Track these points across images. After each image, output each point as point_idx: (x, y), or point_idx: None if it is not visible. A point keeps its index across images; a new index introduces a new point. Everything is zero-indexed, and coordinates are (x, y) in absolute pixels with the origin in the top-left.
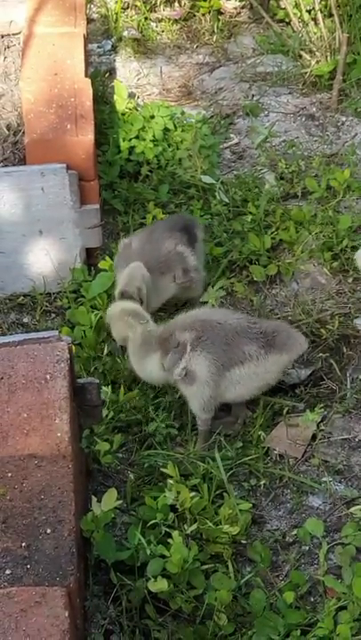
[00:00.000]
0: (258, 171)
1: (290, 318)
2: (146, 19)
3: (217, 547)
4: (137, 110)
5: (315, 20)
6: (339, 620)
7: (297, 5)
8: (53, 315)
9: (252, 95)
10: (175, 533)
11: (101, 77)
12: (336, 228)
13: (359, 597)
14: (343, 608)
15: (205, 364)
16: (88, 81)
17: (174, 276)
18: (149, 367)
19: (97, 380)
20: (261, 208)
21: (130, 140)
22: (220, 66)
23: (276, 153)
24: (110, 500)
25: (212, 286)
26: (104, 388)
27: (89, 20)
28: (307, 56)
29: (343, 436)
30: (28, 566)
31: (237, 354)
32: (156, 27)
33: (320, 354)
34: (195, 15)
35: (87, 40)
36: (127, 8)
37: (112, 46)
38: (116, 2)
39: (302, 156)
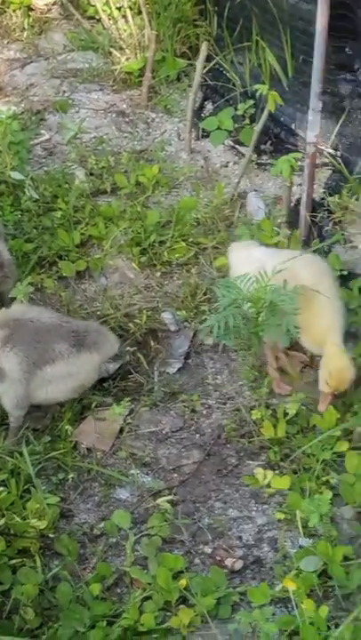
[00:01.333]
0: (68, 167)
1: (98, 313)
2: None
3: (25, 541)
4: None
5: (124, 17)
6: (144, 609)
7: (107, 2)
8: None
9: (63, 91)
10: None
11: None
12: (144, 224)
13: (163, 587)
14: (148, 598)
15: (16, 362)
16: None
17: None
18: None
19: None
20: (71, 204)
21: None
22: (31, 62)
23: (87, 149)
24: None
25: (21, 282)
26: None
27: None
28: (117, 53)
29: (150, 429)
30: None
31: (49, 352)
32: None
33: (128, 348)
34: (5, 11)
35: None
36: None
37: None
38: None
39: (112, 152)
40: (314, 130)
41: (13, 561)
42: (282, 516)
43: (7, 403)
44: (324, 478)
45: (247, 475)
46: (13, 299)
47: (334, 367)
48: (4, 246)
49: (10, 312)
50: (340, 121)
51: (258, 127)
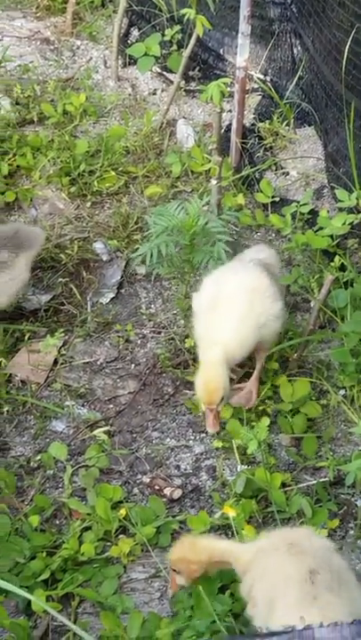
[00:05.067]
0: None
1: None
2: None
3: None
4: None
5: None
6: (84, 540)
7: None
8: None
9: None
10: None
11: None
12: (73, 153)
13: (103, 517)
14: (88, 529)
15: None
16: None
17: None
18: None
19: None
20: None
21: None
22: None
23: (11, 78)
24: None
25: None
26: None
27: None
28: None
29: (85, 360)
30: None
31: None
32: None
33: (60, 279)
34: None
35: None
36: None
37: None
38: None
39: (38, 80)
40: (243, 54)
41: None
42: (220, 445)
43: None
44: (260, 408)
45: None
46: None
47: (200, 380)
48: None
49: None
50: (270, 45)
51: (186, 53)
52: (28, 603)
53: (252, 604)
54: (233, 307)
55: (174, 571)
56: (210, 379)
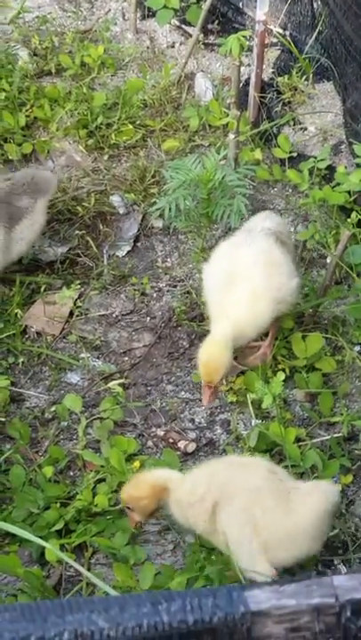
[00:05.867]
0: (10, 47)
1: None
2: None
3: None
4: None
5: None
6: (97, 491)
7: None
8: None
9: None
10: None
11: None
12: (91, 105)
13: (117, 469)
14: (102, 480)
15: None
16: None
17: None
18: None
19: None
20: (15, 85)
21: None
22: None
23: (30, 29)
24: None
25: None
26: None
27: None
28: None
29: (100, 313)
30: None
31: (16, 211)
32: None
33: (77, 231)
34: None
35: None
36: None
37: None
38: None
39: (56, 32)
40: (263, 8)
41: None
42: (234, 399)
43: None
44: (280, 366)
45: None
46: None
47: (202, 356)
48: None
49: None
50: None
51: (205, 6)
52: (42, 552)
53: (213, 532)
54: (249, 282)
55: (128, 509)
56: (212, 357)
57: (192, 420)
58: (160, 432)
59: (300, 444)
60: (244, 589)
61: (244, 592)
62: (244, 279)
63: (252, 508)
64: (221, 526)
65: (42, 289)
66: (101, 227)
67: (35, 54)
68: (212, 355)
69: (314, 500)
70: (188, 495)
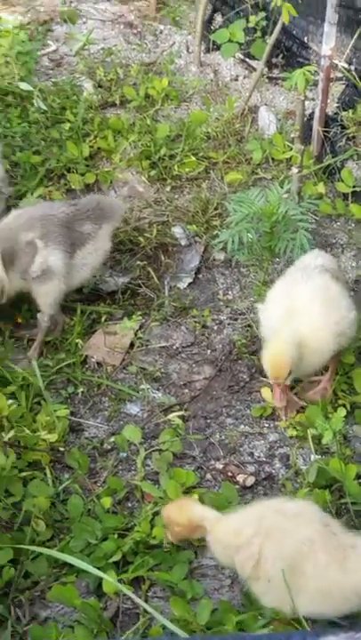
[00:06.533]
0: (76, 78)
1: None
2: None
3: (35, 454)
4: None
5: None
6: (155, 523)
7: None
8: None
9: (70, 1)
10: None
11: None
12: (154, 137)
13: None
14: (160, 512)
15: (60, 257)
16: None
17: None
18: None
19: None
20: (80, 116)
21: None
22: None
23: (95, 61)
24: None
25: (32, 194)
26: None
27: None
28: None
29: (161, 344)
30: None
31: (79, 236)
32: None
33: (138, 262)
34: None
35: None
36: None
37: None
38: None
39: (120, 64)
40: (329, 43)
41: (24, 473)
42: (294, 433)
43: (47, 301)
44: (340, 402)
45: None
46: None
47: (267, 353)
48: None
49: (24, 214)
50: (356, 35)
51: (270, 40)
52: (99, 584)
53: (258, 579)
54: (308, 317)
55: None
56: (277, 352)
57: (251, 454)
58: (219, 465)
59: None
60: (318, 635)
61: (319, 638)
62: (303, 315)
63: (301, 561)
64: (266, 574)
65: (103, 319)
66: (163, 258)
67: (99, 86)
68: (277, 350)
69: None
70: (233, 537)
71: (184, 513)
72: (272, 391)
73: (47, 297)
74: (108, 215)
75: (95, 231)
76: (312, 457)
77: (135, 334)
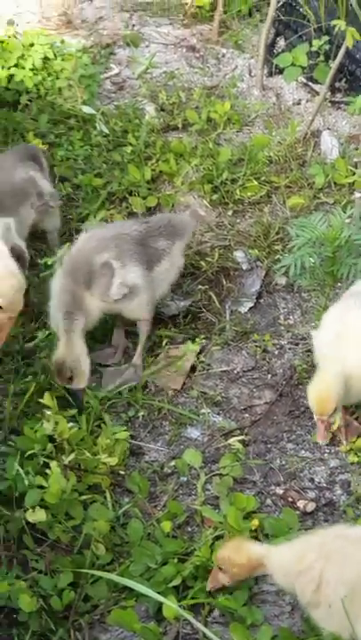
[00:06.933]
0: (138, 102)
1: None
2: None
3: (95, 477)
4: (16, 38)
5: None
6: (215, 548)
7: None
8: None
9: (133, 25)
10: (53, 464)
11: None
12: (216, 161)
13: (235, 527)
14: (220, 537)
15: (139, 273)
16: None
17: (31, 202)
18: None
19: None
20: (142, 139)
21: (9, 68)
22: None
23: (157, 84)
24: None
25: (94, 217)
26: None
27: None
28: None
29: (222, 368)
30: None
31: (153, 252)
32: None
33: (199, 286)
34: None
35: None
36: None
37: None
38: None
39: (183, 87)
40: None
41: (84, 497)
42: (355, 459)
43: (139, 313)
44: None
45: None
46: None
47: (312, 389)
48: (42, 177)
49: (96, 235)
50: None
51: (334, 64)
52: (159, 608)
53: (318, 605)
54: (358, 346)
55: (220, 568)
56: (323, 388)
57: (312, 480)
58: (279, 490)
59: None
60: None
61: None
62: (353, 342)
63: None
64: (326, 599)
65: (164, 343)
66: (224, 282)
67: (162, 109)
68: (322, 385)
69: None
70: (294, 563)
71: (243, 552)
72: (317, 427)
73: (139, 310)
74: (180, 232)
75: (169, 247)
76: None
77: (196, 358)
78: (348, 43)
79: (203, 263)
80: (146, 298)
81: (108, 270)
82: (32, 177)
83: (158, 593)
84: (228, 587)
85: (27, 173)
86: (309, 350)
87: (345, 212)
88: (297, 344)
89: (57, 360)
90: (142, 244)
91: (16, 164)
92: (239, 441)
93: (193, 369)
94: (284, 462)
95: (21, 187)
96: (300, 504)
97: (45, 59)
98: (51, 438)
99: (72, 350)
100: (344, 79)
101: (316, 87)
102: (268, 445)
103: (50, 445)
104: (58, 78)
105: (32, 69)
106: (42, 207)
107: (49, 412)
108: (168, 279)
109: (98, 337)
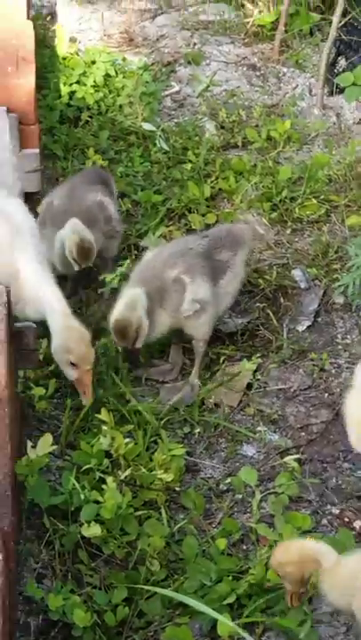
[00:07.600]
0: (198, 119)
1: None
2: None
3: (151, 493)
4: (78, 55)
5: None
6: (270, 566)
7: None
8: None
9: (194, 43)
10: (109, 479)
11: (43, 21)
12: (276, 179)
13: None
14: None
15: (207, 288)
16: (30, 23)
17: (100, 227)
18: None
19: (34, 325)
20: (201, 157)
21: (70, 84)
22: (162, 13)
23: (217, 102)
24: (45, 444)
25: (153, 233)
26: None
27: None
28: (249, 5)
29: (278, 386)
30: None
31: (218, 265)
32: None
33: (257, 304)
34: None
35: None
36: None
37: None
38: None
39: (243, 105)
40: None
41: (139, 512)
42: None
43: (201, 332)
44: None
45: None
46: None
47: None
48: (111, 201)
49: (164, 251)
50: None
51: None
52: (212, 626)
53: None
54: None
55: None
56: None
57: None
58: (335, 510)
59: None
60: None
61: None
62: None
63: None
64: None
65: (221, 360)
66: (282, 300)
67: (222, 127)
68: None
69: None
70: (351, 579)
71: (292, 549)
72: None
73: (203, 327)
74: (241, 241)
75: (232, 258)
76: None
77: (253, 376)
78: None
79: (261, 281)
80: (210, 315)
81: (180, 286)
82: (102, 201)
83: (213, 610)
84: (306, 595)
85: (97, 198)
86: None
87: None
88: (354, 363)
89: (122, 322)
90: (208, 257)
91: (87, 188)
92: (295, 459)
93: (249, 386)
94: (340, 482)
95: (91, 211)
96: (357, 524)
97: (107, 76)
98: (107, 453)
99: (135, 309)
100: None
101: None
102: (325, 464)
103: (106, 460)
104: (119, 95)
105: (93, 86)
106: (108, 232)
107: (105, 427)
108: (232, 292)
109: (155, 353)
